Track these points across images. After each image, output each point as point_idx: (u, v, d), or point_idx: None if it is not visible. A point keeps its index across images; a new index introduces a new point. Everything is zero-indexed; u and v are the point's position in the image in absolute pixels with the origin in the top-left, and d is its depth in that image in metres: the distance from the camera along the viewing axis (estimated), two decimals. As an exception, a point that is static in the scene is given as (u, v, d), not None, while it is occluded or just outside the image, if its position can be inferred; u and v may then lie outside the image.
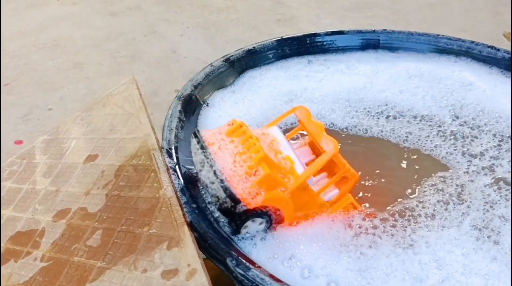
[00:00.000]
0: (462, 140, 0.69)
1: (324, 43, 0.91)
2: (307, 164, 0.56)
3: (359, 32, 0.91)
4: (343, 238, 0.54)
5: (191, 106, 0.73)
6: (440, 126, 0.72)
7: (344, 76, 0.84)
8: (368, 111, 0.76)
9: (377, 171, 0.65)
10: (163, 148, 0.62)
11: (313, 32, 0.91)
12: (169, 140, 0.63)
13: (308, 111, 0.60)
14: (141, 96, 0.72)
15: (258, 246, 0.52)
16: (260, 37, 1.60)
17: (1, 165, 0.77)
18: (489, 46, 0.86)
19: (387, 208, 0.59)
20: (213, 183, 0.50)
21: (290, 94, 0.80)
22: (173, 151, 0.62)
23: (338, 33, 0.91)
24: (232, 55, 0.84)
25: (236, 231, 0.53)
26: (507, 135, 0.69)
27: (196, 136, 0.54)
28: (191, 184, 0.59)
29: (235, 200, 0.48)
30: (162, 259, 0.50)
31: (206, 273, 0.47)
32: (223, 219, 0.55)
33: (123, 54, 1.60)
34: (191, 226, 0.52)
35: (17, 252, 0.60)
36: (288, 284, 0.46)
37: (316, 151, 0.59)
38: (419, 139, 0.70)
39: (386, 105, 0.77)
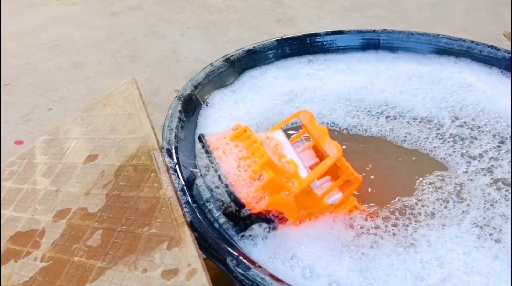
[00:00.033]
0: (461, 142, 0.69)
1: (325, 43, 0.91)
2: (311, 168, 0.57)
3: (360, 32, 0.91)
4: (345, 238, 0.54)
5: (191, 106, 0.73)
6: (439, 129, 0.72)
7: (345, 76, 0.84)
8: (369, 111, 0.76)
9: (377, 169, 0.65)
10: (163, 148, 0.62)
11: (314, 32, 0.91)
12: (169, 140, 0.63)
13: (312, 115, 0.60)
14: (141, 96, 0.73)
15: (259, 246, 0.53)
16: (261, 37, 1.60)
17: (2, 165, 0.77)
18: (489, 46, 0.86)
19: (387, 206, 0.59)
20: (218, 187, 0.51)
21: (291, 94, 0.80)
22: (173, 151, 0.62)
23: (339, 33, 0.91)
24: (232, 55, 0.84)
25: (241, 230, 0.53)
26: (507, 136, 0.69)
27: (201, 141, 0.54)
28: (191, 184, 0.59)
29: (240, 205, 0.49)
30: (162, 259, 0.50)
31: (206, 273, 0.47)
32: (223, 219, 0.55)
33: (124, 54, 1.60)
34: (191, 226, 0.52)
35: (17, 252, 0.60)
36: (288, 284, 0.46)
37: (320, 154, 0.59)
38: (417, 140, 0.70)
39: (386, 105, 0.77)
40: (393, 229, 0.55)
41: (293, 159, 0.55)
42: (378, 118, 0.75)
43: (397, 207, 0.59)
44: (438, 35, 0.89)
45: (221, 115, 0.74)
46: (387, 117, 0.74)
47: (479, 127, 0.71)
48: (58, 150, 0.73)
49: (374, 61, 0.88)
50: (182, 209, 0.53)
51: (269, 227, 0.53)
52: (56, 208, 0.63)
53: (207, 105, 0.76)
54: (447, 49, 0.88)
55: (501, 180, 0.62)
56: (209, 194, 0.57)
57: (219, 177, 0.50)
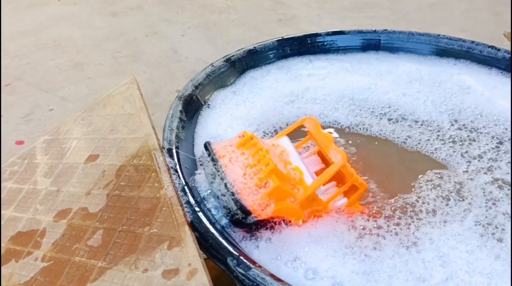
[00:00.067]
0: (461, 143, 0.69)
1: (325, 43, 0.91)
2: (316, 173, 0.57)
3: (360, 32, 0.92)
4: (348, 239, 0.54)
5: (192, 106, 0.73)
6: (439, 131, 0.72)
7: (347, 76, 0.84)
8: (372, 111, 0.76)
9: (378, 168, 0.66)
10: (164, 148, 0.62)
11: (314, 32, 0.91)
12: (170, 140, 0.63)
13: (317, 122, 0.61)
14: (142, 96, 0.73)
15: (261, 248, 0.53)
16: (261, 37, 1.61)
17: (2, 165, 0.77)
18: (489, 46, 0.86)
19: (389, 203, 0.59)
20: (224, 195, 0.51)
21: (292, 95, 0.80)
22: (174, 151, 0.62)
23: (339, 33, 0.91)
24: (233, 55, 0.84)
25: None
26: (505, 138, 0.69)
27: (207, 149, 0.55)
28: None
29: (246, 212, 0.50)
30: (163, 258, 0.50)
31: (207, 272, 0.47)
32: (224, 221, 0.55)
33: (124, 54, 1.60)
34: (192, 225, 0.52)
35: (18, 252, 0.60)
36: (289, 284, 0.46)
37: (325, 159, 0.59)
38: (419, 142, 0.70)
39: (389, 107, 0.77)
40: (395, 229, 0.56)
41: (298, 166, 0.55)
42: (381, 119, 0.75)
43: (398, 205, 0.59)
44: (439, 35, 0.89)
45: (221, 115, 0.74)
46: (389, 119, 0.75)
47: (477, 129, 0.72)
48: (58, 150, 0.73)
49: (376, 62, 0.88)
50: (183, 209, 0.53)
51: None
52: (57, 208, 0.63)
53: (208, 105, 0.76)
54: (447, 50, 0.88)
55: (501, 179, 0.63)
56: (209, 191, 0.57)
57: (225, 185, 0.51)
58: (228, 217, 0.53)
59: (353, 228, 0.55)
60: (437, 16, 1.85)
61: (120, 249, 0.53)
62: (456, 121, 0.74)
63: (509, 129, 0.71)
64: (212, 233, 0.51)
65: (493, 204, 0.59)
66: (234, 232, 0.54)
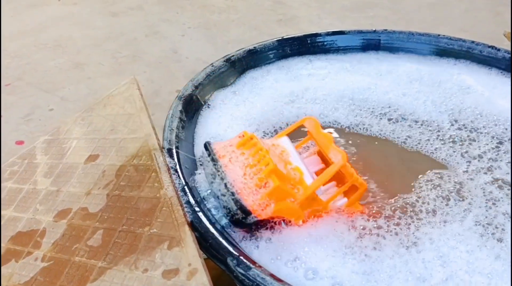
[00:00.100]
0: (461, 143, 0.69)
1: (325, 43, 0.91)
2: (316, 173, 0.57)
3: (360, 32, 0.92)
4: (348, 239, 0.54)
5: (192, 106, 0.73)
6: (439, 131, 0.72)
7: (347, 76, 0.84)
8: (372, 112, 0.76)
9: (378, 168, 0.66)
10: (164, 148, 0.62)
11: (314, 32, 0.91)
12: (170, 140, 0.63)
13: (317, 122, 0.61)
14: (142, 96, 0.73)
15: (261, 248, 0.53)
16: (261, 37, 1.61)
17: (2, 165, 0.77)
18: (489, 46, 0.86)
19: (389, 203, 0.59)
20: (224, 195, 0.51)
21: (292, 95, 0.80)
22: (174, 151, 0.62)
23: (339, 33, 0.91)
24: (233, 55, 0.84)
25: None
26: (505, 138, 0.69)
27: (207, 149, 0.55)
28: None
29: (246, 212, 0.50)
30: (163, 258, 0.50)
31: (207, 272, 0.47)
32: (225, 221, 0.55)
33: (124, 54, 1.60)
34: (192, 225, 0.52)
35: (18, 252, 0.60)
36: (289, 284, 0.46)
37: (325, 159, 0.59)
38: (419, 143, 0.70)
39: (389, 107, 0.77)
40: (395, 228, 0.56)
41: (298, 166, 0.56)
42: (381, 119, 0.75)
43: (398, 205, 0.59)
44: (439, 35, 0.89)
45: (221, 115, 0.74)
46: (389, 119, 0.75)
47: (477, 129, 0.72)
48: (59, 150, 0.73)
49: (375, 62, 0.88)
50: (183, 209, 0.53)
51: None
52: (57, 208, 0.63)
53: (208, 105, 0.76)
54: (448, 50, 0.88)
55: (501, 179, 0.63)
56: (209, 191, 0.57)
57: (226, 185, 0.51)
58: (228, 217, 0.53)
59: (353, 228, 0.55)
60: (437, 16, 1.85)
61: (120, 249, 0.53)
62: (456, 121, 0.74)
63: (509, 129, 0.71)
64: (212, 233, 0.51)
65: (493, 204, 0.59)
66: (234, 232, 0.54)
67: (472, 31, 1.69)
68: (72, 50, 1.62)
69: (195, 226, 0.52)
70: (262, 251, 0.52)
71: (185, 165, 0.61)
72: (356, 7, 1.95)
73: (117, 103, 0.74)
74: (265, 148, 0.54)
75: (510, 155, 0.66)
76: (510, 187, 0.61)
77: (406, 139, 0.71)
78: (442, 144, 0.69)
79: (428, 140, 0.70)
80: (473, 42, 0.87)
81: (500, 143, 0.69)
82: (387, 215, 0.58)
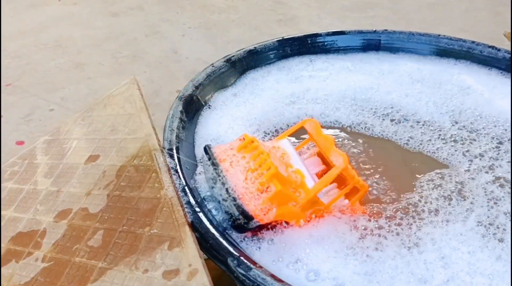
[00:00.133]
0: (462, 142, 0.69)
1: (326, 43, 0.91)
2: (317, 174, 0.57)
3: (360, 32, 0.91)
4: (349, 240, 0.54)
5: (192, 106, 0.73)
6: (440, 130, 0.72)
7: (349, 76, 0.84)
8: (374, 112, 0.76)
9: (380, 168, 0.66)
10: (164, 148, 0.62)
11: (315, 33, 0.91)
12: (170, 141, 0.63)
13: (318, 124, 0.61)
14: (142, 97, 0.73)
15: (263, 249, 0.53)
16: (261, 37, 1.61)
17: (2, 165, 0.77)
18: (489, 46, 0.86)
19: (391, 203, 0.59)
20: (225, 200, 0.51)
21: (293, 96, 0.79)
22: (174, 151, 0.62)
23: (340, 33, 0.91)
24: (233, 56, 0.84)
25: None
26: (505, 138, 0.70)
27: (207, 153, 0.54)
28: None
29: (248, 217, 0.49)
30: (163, 259, 0.50)
31: (207, 273, 0.47)
32: (226, 223, 0.55)
33: (124, 55, 1.60)
34: (192, 226, 0.52)
35: (18, 252, 0.60)
36: (289, 284, 0.46)
37: (326, 160, 0.59)
38: (421, 143, 0.70)
39: (392, 107, 0.77)
40: (396, 229, 0.56)
41: (299, 169, 0.55)
42: (384, 119, 0.75)
43: (400, 206, 0.59)
44: (439, 35, 0.89)
45: (222, 115, 0.74)
46: (392, 120, 0.75)
47: (477, 130, 0.72)
48: (59, 150, 0.73)
49: (376, 62, 0.88)
50: (183, 210, 0.53)
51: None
52: (57, 209, 0.63)
53: (208, 106, 0.76)
54: (448, 50, 0.88)
55: (503, 178, 0.63)
56: (209, 192, 0.57)
57: (227, 190, 0.50)
58: (230, 222, 0.52)
59: (355, 229, 0.55)
60: (437, 16, 1.85)
61: (120, 249, 0.53)
62: (456, 122, 0.74)
63: (509, 130, 0.71)
64: (213, 234, 0.51)
65: (495, 203, 0.59)
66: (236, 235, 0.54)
67: (472, 31, 1.69)
68: (72, 50, 1.62)
69: (196, 227, 0.52)
70: (264, 252, 0.52)
71: (186, 166, 0.61)
72: (356, 7, 1.95)
73: (117, 103, 0.74)
74: (266, 151, 0.53)
75: (510, 155, 0.66)
76: (510, 185, 0.61)
77: (408, 140, 0.71)
78: (443, 143, 0.69)
79: (430, 140, 0.70)
80: (473, 42, 0.87)
81: (500, 143, 0.69)
82: (388, 215, 0.57)
